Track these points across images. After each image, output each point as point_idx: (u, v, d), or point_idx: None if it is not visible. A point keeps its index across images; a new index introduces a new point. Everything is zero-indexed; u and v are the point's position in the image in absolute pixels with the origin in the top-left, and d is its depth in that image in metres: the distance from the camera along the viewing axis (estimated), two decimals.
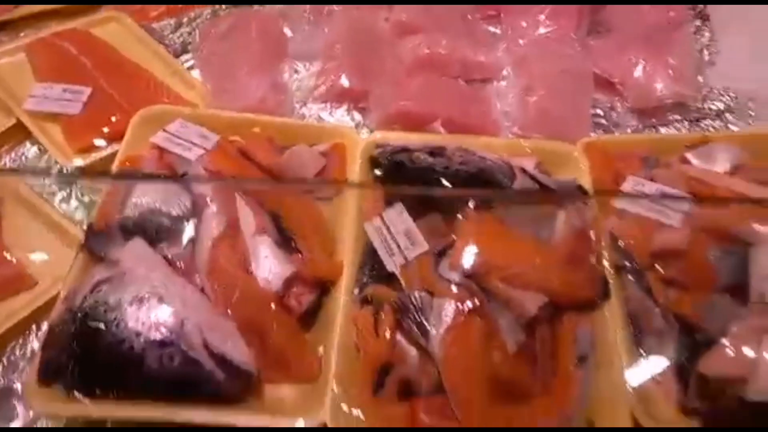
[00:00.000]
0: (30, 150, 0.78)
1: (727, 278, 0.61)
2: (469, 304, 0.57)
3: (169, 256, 0.61)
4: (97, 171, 0.72)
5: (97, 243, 0.62)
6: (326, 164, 0.73)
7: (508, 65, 0.87)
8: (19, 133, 0.79)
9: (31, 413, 0.59)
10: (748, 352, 0.55)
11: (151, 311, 0.55)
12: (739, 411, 0.53)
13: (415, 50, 0.85)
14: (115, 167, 0.69)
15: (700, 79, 0.86)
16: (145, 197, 0.64)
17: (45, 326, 0.62)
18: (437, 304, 0.58)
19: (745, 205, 0.65)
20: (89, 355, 0.54)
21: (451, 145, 0.70)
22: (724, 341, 0.56)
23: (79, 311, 0.56)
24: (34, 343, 0.63)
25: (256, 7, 0.94)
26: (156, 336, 0.54)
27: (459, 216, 0.63)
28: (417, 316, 0.58)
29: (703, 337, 0.58)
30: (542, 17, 0.89)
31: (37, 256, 0.68)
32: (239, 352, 0.57)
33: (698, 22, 0.93)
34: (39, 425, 0.59)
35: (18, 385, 0.60)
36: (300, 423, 0.55)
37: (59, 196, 0.74)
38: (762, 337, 0.55)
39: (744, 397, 0.53)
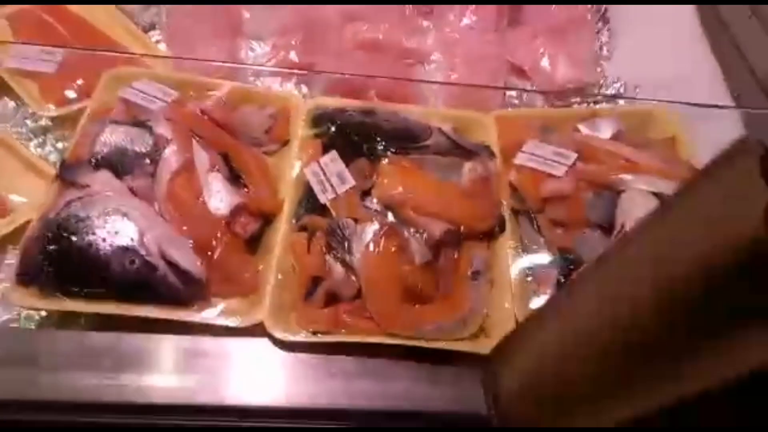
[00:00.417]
0: (8, 104, 0.87)
1: (599, 218, 0.74)
2: (385, 227, 0.69)
3: (133, 187, 0.71)
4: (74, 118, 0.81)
5: (69, 173, 0.71)
6: (273, 124, 0.84)
7: (437, 51, 1.00)
8: None
9: (5, 317, 0.67)
10: None
11: (116, 223, 0.65)
12: None
13: (357, 34, 0.97)
14: (85, 116, 0.79)
15: (597, 69, 1.00)
16: (113, 136, 0.74)
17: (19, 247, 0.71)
18: (360, 228, 0.69)
19: (617, 161, 0.78)
20: (62, 258, 0.63)
21: (380, 108, 0.83)
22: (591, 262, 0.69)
23: (53, 223, 0.65)
24: (9, 261, 0.71)
25: None
26: (119, 242, 0.64)
27: (382, 161, 0.75)
28: (343, 238, 0.69)
29: (577, 261, 0.71)
30: (468, 12, 1.02)
31: (14, 191, 0.77)
32: (190, 262, 0.66)
33: (600, 24, 1.08)
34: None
35: None
36: (240, 320, 0.65)
37: (34, 142, 0.83)
38: None
39: None
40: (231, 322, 0.65)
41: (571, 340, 0.48)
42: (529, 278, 0.72)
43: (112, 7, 1.01)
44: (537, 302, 0.70)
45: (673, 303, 0.37)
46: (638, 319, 0.40)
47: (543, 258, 0.73)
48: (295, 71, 0.95)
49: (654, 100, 0.89)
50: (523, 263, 0.73)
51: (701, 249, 0.35)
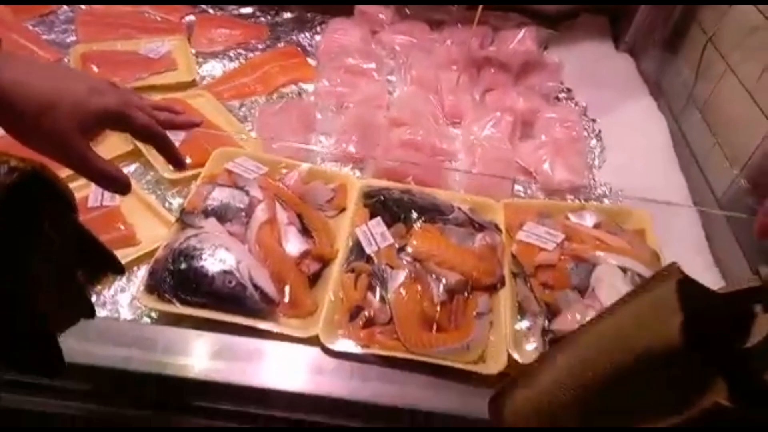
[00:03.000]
0: (140, 168, 1.13)
1: (577, 283, 0.93)
2: (413, 273, 0.90)
3: (232, 231, 0.95)
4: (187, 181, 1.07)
5: (187, 218, 0.95)
6: (334, 195, 1.08)
7: (462, 152, 1.25)
8: (130, 155, 1.14)
9: (131, 316, 0.89)
10: (578, 317, 0.86)
11: (221, 254, 0.87)
12: None
13: (401, 135, 1.22)
14: (200, 179, 1.04)
15: (589, 175, 1.23)
16: (220, 194, 0.98)
17: (143, 270, 0.93)
18: (394, 273, 0.90)
19: (595, 242, 0.99)
20: (180, 274, 0.86)
21: (415, 189, 1.06)
22: (567, 313, 0.88)
23: (176, 250, 0.88)
24: (135, 280, 0.94)
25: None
26: (222, 267, 0.86)
27: (415, 226, 0.97)
28: (381, 279, 0.90)
29: (558, 313, 0.90)
30: (489, 125, 1.28)
31: (142, 228, 1.00)
32: (270, 287, 0.88)
33: (594, 140, 1.32)
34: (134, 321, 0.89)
35: (124, 299, 0.91)
36: (301, 332, 0.85)
37: (155, 195, 1.08)
38: (587, 310, 0.87)
39: None
40: (296, 333, 0.85)
41: (560, 383, 0.63)
42: (521, 323, 0.91)
43: (218, 103, 1.29)
44: (527, 343, 0.89)
45: (619, 372, 0.53)
46: (600, 378, 0.55)
47: (533, 309, 0.92)
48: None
49: (632, 198, 1.10)
50: (517, 312, 0.92)
51: (633, 343, 0.52)
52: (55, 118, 0.57)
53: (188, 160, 1.09)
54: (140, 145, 1.13)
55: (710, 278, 1.01)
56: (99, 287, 0.92)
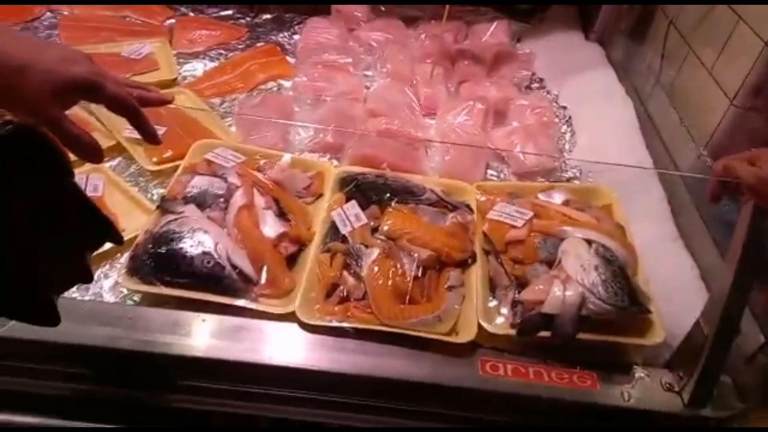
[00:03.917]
0: (122, 162, 1.16)
1: (546, 256, 0.97)
2: (386, 250, 0.93)
3: (211, 216, 0.97)
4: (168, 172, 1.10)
5: (167, 204, 0.98)
6: (311, 183, 1.11)
7: (436, 139, 1.28)
8: (113, 150, 1.17)
9: (113, 299, 0.92)
10: (545, 287, 0.89)
11: (199, 236, 0.90)
12: (538, 320, 0.87)
13: (377, 125, 1.26)
14: (180, 169, 1.07)
15: (559, 158, 1.27)
16: (199, 182, 1.01)
17: (126, 256, 0.96)
18: (368, 251, 0.94)
19: (562, 218, 1.02)
20: (160, 256, 0.88)
21: (389, 174, 1.10)
22: (535, 284, 0.92)
23: (157, 234, 0.91)
24: (118, 266, 0.97)
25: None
26: (201, 249, 0.89)
27: (388, 208, 1.01)
28: (356, 257, 0.93)
29: (527, 286, 0.93)
30: (463, 113, 1.31)
31: (125, 217, 1.03)
32: (247, 266, 0.91)
33: (565, 126, 1.36)
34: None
35: (107, 284, 0.94)
36: (279, 308, 0.88)
37: (138, 187, 1.11)
38: (553, 281, 0.90)
39: (541, 311, 0.88)
40: (274, 309, 0.88)
41: None
42: (492, 296, 0.94)
43: (199, 100, 1.33)
44: (497, 314, 0.92)
45: None
46: None
47: (503, 283, 0.95)
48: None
49: (601, 163, 1.12)
50: (488, 286, 0.95)
51: None
52: (27, 82, 0.59)
53: (169, 153, 1.13)
54: (122, 139, 1.16)
55: (675, 248, 1.05)
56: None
